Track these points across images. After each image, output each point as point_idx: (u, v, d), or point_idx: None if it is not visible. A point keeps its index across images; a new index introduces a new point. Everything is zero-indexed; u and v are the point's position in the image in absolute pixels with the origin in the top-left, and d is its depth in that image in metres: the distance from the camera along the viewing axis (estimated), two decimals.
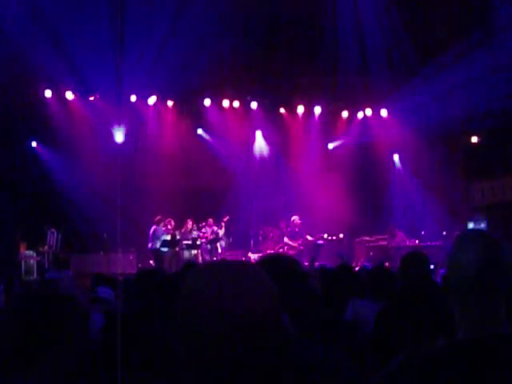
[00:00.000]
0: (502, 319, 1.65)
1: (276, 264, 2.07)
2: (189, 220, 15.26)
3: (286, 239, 14.75)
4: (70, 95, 16.13)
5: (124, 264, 14.64)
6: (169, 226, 14.94)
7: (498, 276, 1.65)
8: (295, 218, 14.87)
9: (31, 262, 13.77)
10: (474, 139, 17.35)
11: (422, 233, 15.40)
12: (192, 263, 6.03)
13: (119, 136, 16.05)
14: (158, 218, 14.61)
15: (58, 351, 1.95)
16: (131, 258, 14.65)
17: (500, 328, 1.64)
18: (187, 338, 1.22)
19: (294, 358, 1.38)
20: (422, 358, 1.64)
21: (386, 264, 12.71)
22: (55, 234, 14.65)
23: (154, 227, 14.62)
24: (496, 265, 1.65)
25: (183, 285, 1.28)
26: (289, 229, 14.80)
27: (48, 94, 15.94)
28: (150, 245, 14.59)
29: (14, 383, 1.86)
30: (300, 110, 18.04)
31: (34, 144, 16.15)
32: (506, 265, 1.66)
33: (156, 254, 14.48)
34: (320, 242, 15.09)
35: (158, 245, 14.50)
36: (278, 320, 1.26)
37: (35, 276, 12.83)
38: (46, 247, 14.38)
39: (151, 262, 14.73)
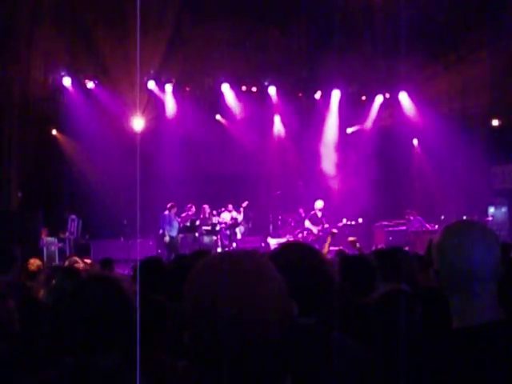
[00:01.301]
0: (496, 307, 1.68)
1: (296, 251, 2.07)
2: (204, 205, 15.28)
3: (307, 223, 14.63)
4: (88, 83, 16.21)
5: (143, 250, 14.76)
6: (189, 212, 15.00)
7: (494, 266, 1.68)
8: (319, 202, 14.64)
9: (53, 248, 13.91)
10: (495, 122, 17.14)
11: (442, 217, 15.29)
12: (204, 251, 6.04)
13: (137, 123, 16.10)
14: (170, 204, 14.57)
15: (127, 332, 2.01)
16: (151, 243, 14.75)
17: (496, 315, 1.65)
18: (191, 334, 1.23)
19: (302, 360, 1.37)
20: (424, 347, 1.66)
21: (405, 249, 12.67)
22: (76, 220, 14.77)
23: (166, 213, 14.55)
24: (492, 255, 1.69)
25: (187, 281, 1.27)
26: (312, 212, 14.67)
27: (67, 81, 16.02)
28: (161, 231, 14.55)
29: (96, 364, 1.91)
30: (318, 94, 17.94)
31: (54, 132, 16.27)
32: (499, 256, 1.70)
33: (170, 240, 14.49)
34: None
35: (169, 232, 14.46)
36: (282, 321, 1.24)
37: (57, 262, 12.96)
38: (67, 234, 14.52)
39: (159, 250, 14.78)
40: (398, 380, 1.60)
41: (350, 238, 8.35)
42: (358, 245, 7.96)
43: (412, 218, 15.13)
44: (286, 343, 1.24)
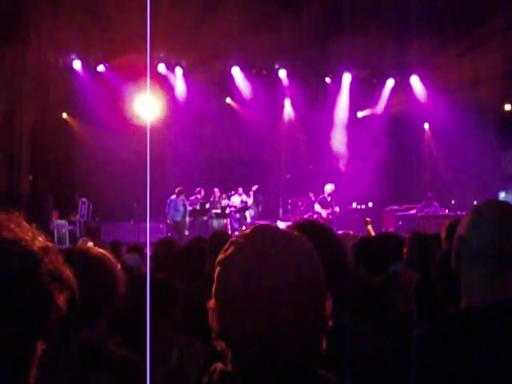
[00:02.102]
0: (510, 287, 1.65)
1: (309, 230, 2.06)
2: (215, 189, 15.31)
3: (317, 207, 14.63)
4: (99, 66, 16.20)
5: (153, 233, 14.81)
6: (198, 196, 15.03)
7: None
8: (329, 186, 14.64)
9: (63, 230, 14.01)
10: (508, 107, 17.00)
11: (452, 202, 15.23)
12: (220, 233, 6.08)
13: (148, 106, 16.08)
14: (179, 189, 14.58)
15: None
16: (161, 226, 14.80)
17: (507, 295, 1.64)
18: (223, 309, 1.21)
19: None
20: (432, 328, 1.66)
21: None
22: (86, 203, 14.85)
23: (172, 198, 14.60)
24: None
25: (225, 258, 1.25)
26: (321, 196, 14.66)
27: (77, 65, 16.02)
28: (170, 214, 14.61)
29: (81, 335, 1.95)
30: (329, 77, 17.84)
31: (64, 115, 16.30)
32: None
33: (174, 224, 14.55)
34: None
35: (174, 216, 14.55)
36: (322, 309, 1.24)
37: (67, 245, 13.05)
38: (78, 216, 14.60)
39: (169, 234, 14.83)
40: (409, 365, 1.60)
41: (367, 219, 8.35)
42: (369, 226, 7.95)
43: (433, 202, 14.94)
44: (323, 333, 1.23)
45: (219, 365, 1.24)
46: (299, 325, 1.18)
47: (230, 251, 1.24)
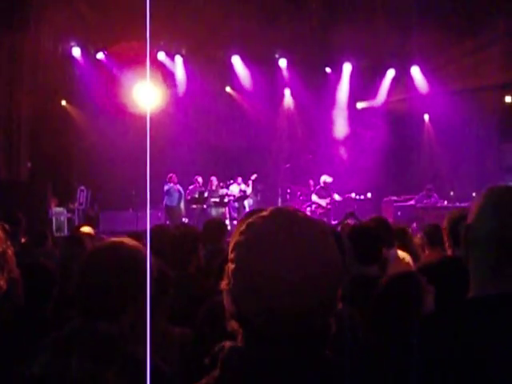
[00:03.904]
0: None
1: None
2: (212, 177, 15.30)
3: (314, 197, 14.66)
4: (98, 53, 16.13)
5: (152, 221, 14.81)
6: (196, 184, 15.03)
7: None
8: (325, 176, 14.71)
9: (62, 218, 14.00)
10: (508, 99, 16.96)
11: (451, 193, 15.22)
12: (214, 221, 6.09)
13: (147, 94, 16.02)
14: (169, 176, 14.64)
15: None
16: (159, 214, 14.80)
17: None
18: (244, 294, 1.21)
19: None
20: (436, 317, 1.65)
21: (414, 225, 12.64)
22: (85, 191, 14.84)
23: (167, 185, 14.65)
24: None
25: (243, 240, 1.25)
26: (318, 187, 14.71)
27: (76, 52, 15.95)
28: (164, 201, 14.70)
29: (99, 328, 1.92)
30: (329, 67, 17.78)
31: (63, 102, 16.24)
32: None
33: (168, 211, 14.59)
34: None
35: (168, 202, 14.61)
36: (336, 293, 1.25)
37: (66, 233, 13.05)
38: (76, 204, 14.59)
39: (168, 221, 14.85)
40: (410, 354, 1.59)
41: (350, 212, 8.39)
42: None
43: (433, 193, 14.93)
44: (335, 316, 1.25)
45: (227, 343, 1.24)
46: (315, 307, 1.19)
47: (248, 233, 1.25)
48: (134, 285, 1.99)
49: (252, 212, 1.43)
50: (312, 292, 1.18)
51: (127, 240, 2.16)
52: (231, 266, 1.24)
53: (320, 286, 1.19)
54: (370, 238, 4.03)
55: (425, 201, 14.72)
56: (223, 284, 1.26)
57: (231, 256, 1.25)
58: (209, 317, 2.34)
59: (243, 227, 1.27)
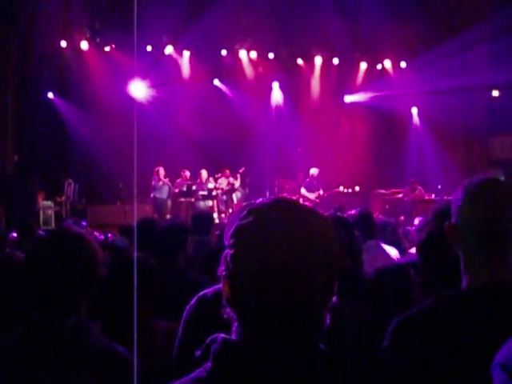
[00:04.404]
0: (508, 269, 1.64)
1: None
2: (202, 170, 15.28)
3: (303, 190, 14.68)
4: (85, 45, 16.01)
5: (140, 214, 14.75)
6: (184, 177, 15.00)
7: (510, 227, 1.62)
8: (314, 170, 14.74)
9: (49, 212, 13.92)
10: (496, 93, 17.04)
11: (439, 187, 15.28)
12: (202, 213, 6.10)
13: (135, 86, 15.97)
14: (156, 169, 14.60)
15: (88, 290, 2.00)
16: (147, 208, 14.76)
17: (505, 277, 1.63)
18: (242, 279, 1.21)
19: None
20: (426, 308, 1.66)
21: (401, 218, 12.69)
22: (72, 184, 14.76)
23: (155, 178, 14.61)
24: (509, 215, 1.63)
25: (244, 226, 1.24)
26: (307, 180, 14.73)
27: (63, 44, 15.83)
28: (151, 195, 14.65)
29: (55, 322, 1.91)
30: (318, 61, 17.77)
31: (50, 95, 16.12)
32: None
33: (155, 204, 14.56)
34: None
35: (159, 195, 14.57)
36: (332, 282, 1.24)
37: (53, 226, 12.99)
38: (64, 198, 14.51)
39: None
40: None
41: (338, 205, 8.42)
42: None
43: (417, 186, 15.01)
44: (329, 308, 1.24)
45: (221, 335, 1.23)
46: (312, 298, 1.19)
47: (249, 218, 1.24)
48: (82, 274, 1.95)
49: (251, 203, 1.42)
50: (310, 280, 1.18)
51: (71, 228, 2.14)
52: (230, 251, 1.24)
53: (319, 275, 1.19)
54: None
55: (411, 194, 14.82)
56: (220, 270, 1.25)
57: (230, 242, 1.25)
58: (198, 308, 2.33)
59: (244, 213, 1.27)
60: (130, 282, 2.29)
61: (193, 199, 14.89)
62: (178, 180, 14.95)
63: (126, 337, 2.07)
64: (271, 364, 1.17)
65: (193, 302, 2.38)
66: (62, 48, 15.90)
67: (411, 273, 2.89)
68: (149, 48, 16.21)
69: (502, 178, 1.77)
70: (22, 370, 1.84)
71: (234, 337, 1.23)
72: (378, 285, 2.91)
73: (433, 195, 14.93)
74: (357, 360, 1.82)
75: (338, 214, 4.02)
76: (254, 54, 17.23)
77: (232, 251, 1.23)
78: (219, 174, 15.57)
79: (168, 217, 14.04)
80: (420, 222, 5.40)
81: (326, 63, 17.73)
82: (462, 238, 1.67)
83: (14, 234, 6.42)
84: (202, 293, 2.39)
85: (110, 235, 8.33)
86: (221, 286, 1.26)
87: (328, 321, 1.24)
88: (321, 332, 1.23)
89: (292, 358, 1.18)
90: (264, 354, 1.18)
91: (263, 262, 1.18)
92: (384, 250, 4.65)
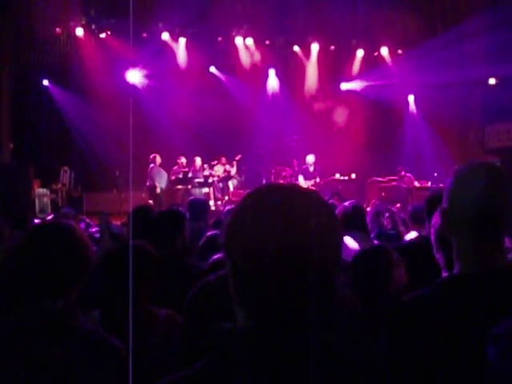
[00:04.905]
0: (499, 255, 1.63)
1: None
2: (196, 157, 15.24)
3: (300, 178, 14.66)
4: (80, 32, 15.91)
5: (136, 202, 14.74)
6: (180, 165, 14.97)
7: (501, 212, 1.61)
8: (310, 157, 14.69)
9: (45, 199, 13.89)
10: (492, 81, 17.02)
11: (435, 174, 15.32)
12: (198, 200, 6.09)
13: (131, 74, 15.90)
14: (153, 156, 14.52)
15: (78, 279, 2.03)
16: (143, 195, 14.74)
17: (496, 264, 1.62)
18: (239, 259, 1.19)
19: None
20: (417, 295, 1.65)
21: (398, 205, 12.72)
22: (68, 172, 14.73)
23: (152, 165, 14.54)
24: (500, 200, 1.61)
25: (240, 207, 1.23)
26: (303, 167, 14.72)
27: (59, 31, 15.72)
28: (148, 183, 14.58)
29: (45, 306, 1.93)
30: (314, 48, 17.71)
31: (45, 82, 16.04)
32: (508, 200, 1.63)
33: (151, 192, 14.52)
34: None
35: (160, 183, 14.52)
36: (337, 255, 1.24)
37: (49, 214, 12.96)
38: (60, 185, 14.48)
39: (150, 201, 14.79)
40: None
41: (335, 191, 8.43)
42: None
43: (404, 174, 15.13)
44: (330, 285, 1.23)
45: (226, 324, 1.22)
46: (310, 283, 1.17)
47: (245, 202, 1.24)
48: (74, 260, 2.00)
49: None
50: (308, 262, 1.16)
51: (61, 220, 2.18)
52: (224, 231, 1.23)
53: (316, 260, 1.17)
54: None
55: (401, 182, 14.93)
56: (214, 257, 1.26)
57: (226, 223, 1.24)
58: (201, 295, 2.33)
59: (243, 197, 1.26)
60: (129, 269, 2.30)
61: (189, 186, 14.87)
62: (175, 167, 14.91)
63: (125, 325, 2.08)
64: (271, 351, 1.17)
65: (196, 289, 2.36)
66: (57, 35, 15.80)
67: (392, 253, 2.91)
68: (145, 35, 16.13)
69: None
70: (12, 353, 1.86)
71: (237, 325, 1.22)
72: (359, 266, 2.93)
73: (429, 183, 14.98)
74: (352, 347, 1.83)
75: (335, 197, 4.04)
76: (250, 41, 17.16)
77: (226, 232, 1.22)
78: (215, 162, 15.54)
79: (164, 204, 14.03)
80: (412, 208, 5.41)
81: (323, 50, 17.68)
82: (453, 222, 1.66)
83: None
84: (205, 279, 2.38)
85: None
86: (224, 272, 1.25)
87: (326, 306, 1.23)
88: (318, 318, 1.22)
89: (291, 344, 1.17)
90: (264, 342, 1.17)
91: (255, 247, 1.16)
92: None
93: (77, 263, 2.01)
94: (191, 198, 9.36)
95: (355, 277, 2.88)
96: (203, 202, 5.59)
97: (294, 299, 1.18)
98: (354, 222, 4.46)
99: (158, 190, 14.25)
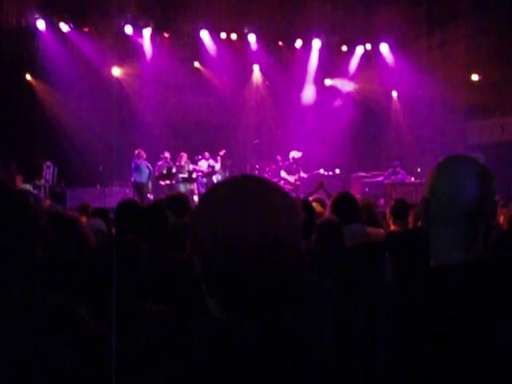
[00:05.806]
0: (479, 247, 1.64)
1: None
2: (182, 153, 15.21)
3: (282, 173, 14.67)
4: (63, 26, 15.77)
5: (120, 197, 14.67)
6: (164, 160, 14.93)
7: (485, 204, 1.62)
8: (294, 152, 14.70)
9: None
10: (475, 77, 17.13)
11: (418, 170, 15.41)
12: (178, 194, 6.09)
13: (113, 69, 15.81)
14: (137, 151, 14.46)
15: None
16: (127, 191, 14.69)
17: (480, 254, 1.63)
18: (208, 254, 1.19)
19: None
20: (403, 286, 1.66)
21: (381, 200, 12.78)
22: (51, 167, 14.62)
23: (134, 161, 14.49)
24: (486, 191, 1.62)
25: (206, 198, 1.23)
26: (286, 163, 14.73)
27: (41, 24, 15.56)
28: (132, 179, 14.53)
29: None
30: (298, 43, 17.71)
31: (28, 77, 15.89)
32: (492, 193, 1.63)
33: (136, 187, 14.48)
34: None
35: (138, 178, 14.47)
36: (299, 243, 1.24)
37: None
38: (43, 181, 14.38)
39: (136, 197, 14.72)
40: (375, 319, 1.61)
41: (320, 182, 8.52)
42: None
43: (399, 170, 15.09)
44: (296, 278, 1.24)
45: (206, 318, 1.22)
46: (275, 269, 1.17)
47: (211, 194, 1.23)
48: (73, 253, 1.99)
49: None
50: (274, 246, 1.16)
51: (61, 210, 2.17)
52: (193, 222, 1.23)
53: (282, 245, 1.17)
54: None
55: (392, 177, 14.89)
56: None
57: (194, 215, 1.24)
58: (186, 292, 2.33)
59: (209, 190, 1.26)
60: (118, 264, 2.29)
61: (173, 182, 14.84)
62: (160, 162, 14.87)
63: (112, 319, 2.07)
64: (244, 339, 1.16)
65: (183, 283, 2.37)
66: (39, 29, 15.64)
67: (382, 250, 2.94)
68: (128, 29, 16.03)
69: (482, 161, 1.77)
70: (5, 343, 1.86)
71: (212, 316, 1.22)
72: (352, 261, 2.96)
73: (412, 178, 15.04)
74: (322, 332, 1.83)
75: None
76: (234, 36, 17.11)
77: (194, 225, 1.22)
78: (199, 157, 15.53)
79: (148, 199, 13.99)
80: (394, 203, 5.46)
81: (307, 46, 17.67)
82: (433, 212, 1.67)
83: None
84: (192, 274, 2.38)
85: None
86: None
87: (295, 292, 1.23)
88: (287, 303, 1.22)
89: (261, 330, 1.17)
90: (236, 330, 1.17)
91: (220, 236, 1.15)
92: (368, 233, 4.67)
93: (77, 254, 1.99)
94: (171, 193, 9.36)
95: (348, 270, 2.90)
96: (182, 197, 5.57)
97: (264, 287, 1.17)
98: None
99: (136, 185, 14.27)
